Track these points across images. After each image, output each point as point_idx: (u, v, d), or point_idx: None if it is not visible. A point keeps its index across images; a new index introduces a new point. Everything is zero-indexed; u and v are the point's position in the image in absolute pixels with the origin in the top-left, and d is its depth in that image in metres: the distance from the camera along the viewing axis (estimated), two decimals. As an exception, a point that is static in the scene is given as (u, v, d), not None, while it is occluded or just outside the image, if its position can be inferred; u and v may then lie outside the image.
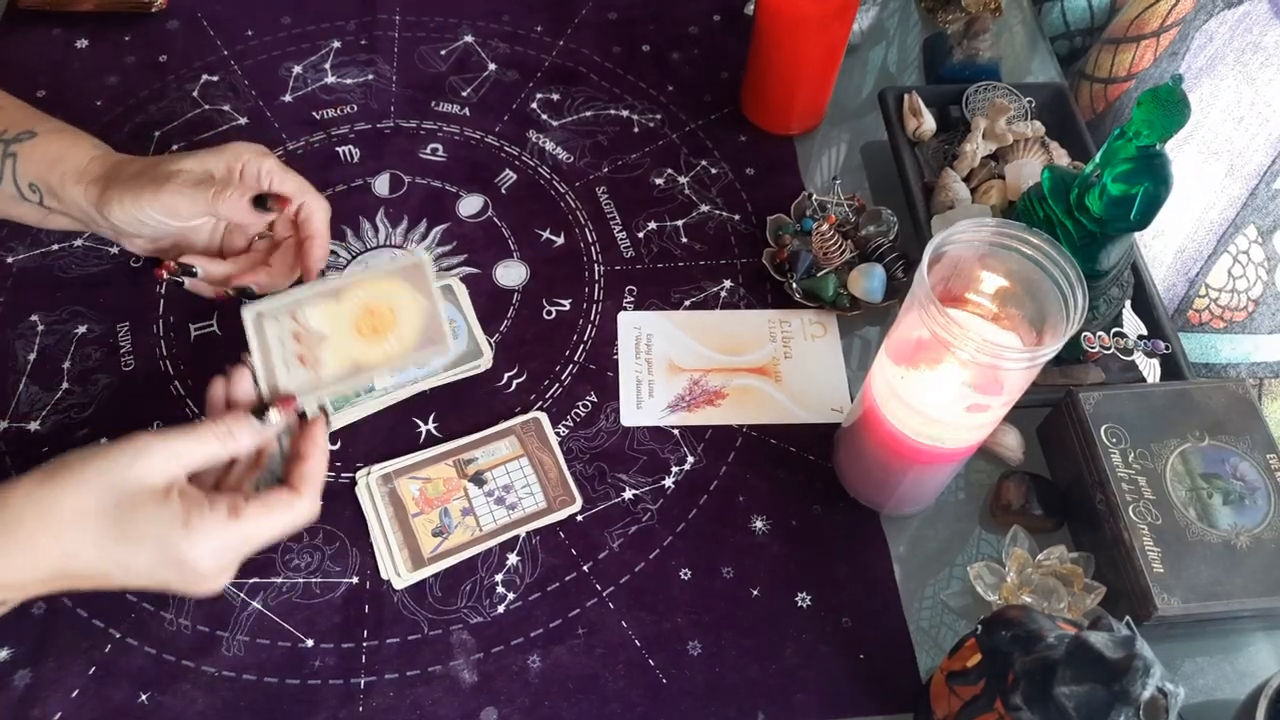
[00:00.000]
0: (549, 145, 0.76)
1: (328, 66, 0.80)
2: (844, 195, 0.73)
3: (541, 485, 0.61)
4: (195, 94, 0.77)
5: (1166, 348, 0.64)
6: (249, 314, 0.57)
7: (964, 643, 0.49)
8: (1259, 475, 0.57)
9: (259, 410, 0.52)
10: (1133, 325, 0.65)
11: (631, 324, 0.68)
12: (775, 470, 0.63)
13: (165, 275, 0.60)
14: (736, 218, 0.74)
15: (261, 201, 0.57)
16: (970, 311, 0.52)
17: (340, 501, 0.60)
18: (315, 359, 0.57)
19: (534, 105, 0.79)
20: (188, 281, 0.60)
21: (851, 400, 0.65)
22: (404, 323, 0.59)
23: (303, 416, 0.53)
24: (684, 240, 0.72)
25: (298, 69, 0.79)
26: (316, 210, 0.60)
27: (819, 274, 0.69)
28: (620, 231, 0.72)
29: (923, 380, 0.51)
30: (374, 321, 0.58)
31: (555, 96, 0.79)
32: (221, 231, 0.63)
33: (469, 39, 0.82)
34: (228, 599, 0.56)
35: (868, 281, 0.67)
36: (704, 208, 0.74)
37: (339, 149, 0.75)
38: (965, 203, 0.70)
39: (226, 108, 0.77)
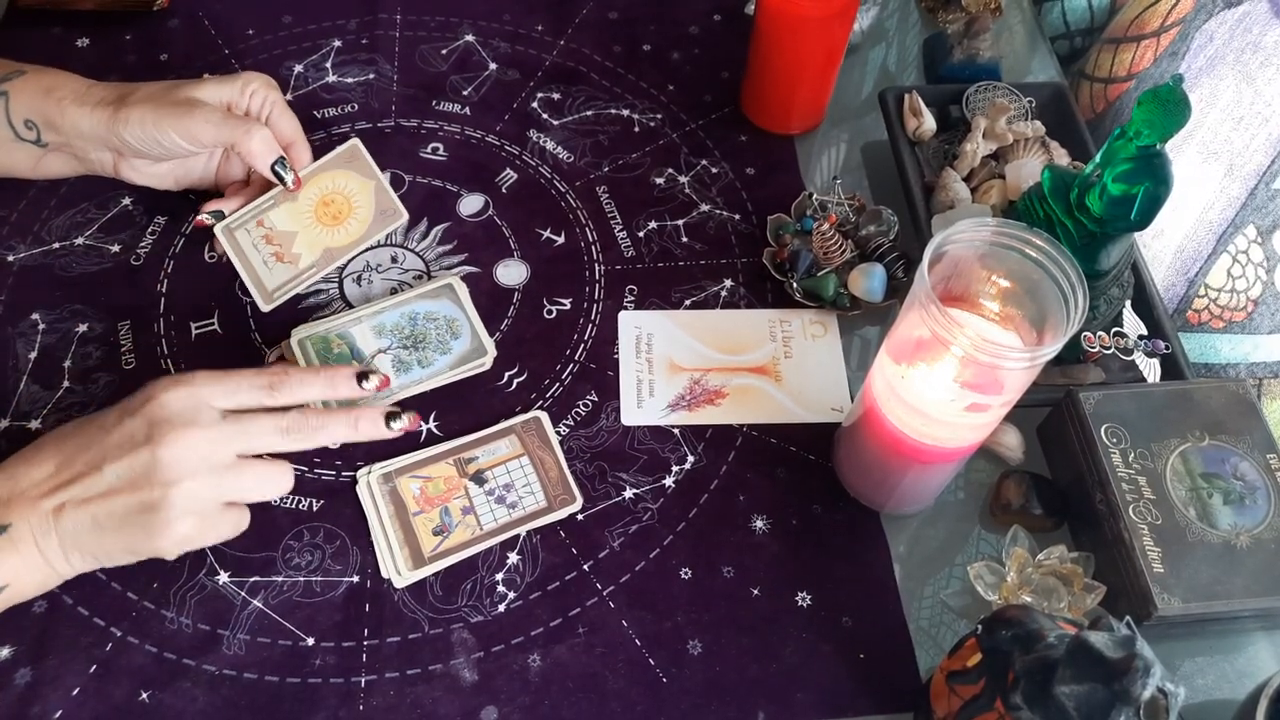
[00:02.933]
0: (549, 144, 0.77)
1: (328, 65, 0.80)
2: (844, 195, 0.73)
3: (542, 484, 0.61)
4: (196, 93, 0.77)
5: (1167, 347, 0.64)
6: (219, 230, 0.65)
7: (964, 642, 0.49)
8: (1259, 475, 0.57)
9: (362, 375, 0.55)
10: (1133, 325, 0.65)
11: (632, 323, 0.68)
12: (775, 470, 0.63)
13: (207, 221, 0.65)
14: (737, 217, 0.74)
15: (280, 165, 0.63)
16: (970, 311, 0.52)
17: (341, 500, 0.60)
18: (291, 255, 0.65)
19: (535, 104, 0.79)
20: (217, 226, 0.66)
21: (851, 400, 0.65)
22: (358, 204, 0.67)
23: (363, 377, 0.56)
24: (684, 239, 0.72)
25: (299, 68, 0.79)
26: (305, 155, 0.66)
27: (819, 273, 0.69)
28: (621, 231, 0.72)
29: (923, 380, 0.51)
30: (333, 210, 0.66)
31: (556, 96, 0.79)
32: (219, 161, 0.68)
33: (470, 38, 0.82)
34: (228, 597, 0.56)
35: (868, 281, 0.67)
36: (704, 207, 0.74)
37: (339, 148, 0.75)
38: (965, 202, 0.70)
39: (227, 107, 0.77)
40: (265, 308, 0.65)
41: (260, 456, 0.53)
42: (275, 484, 0.53)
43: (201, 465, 0.50)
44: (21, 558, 0.49)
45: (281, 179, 0.64)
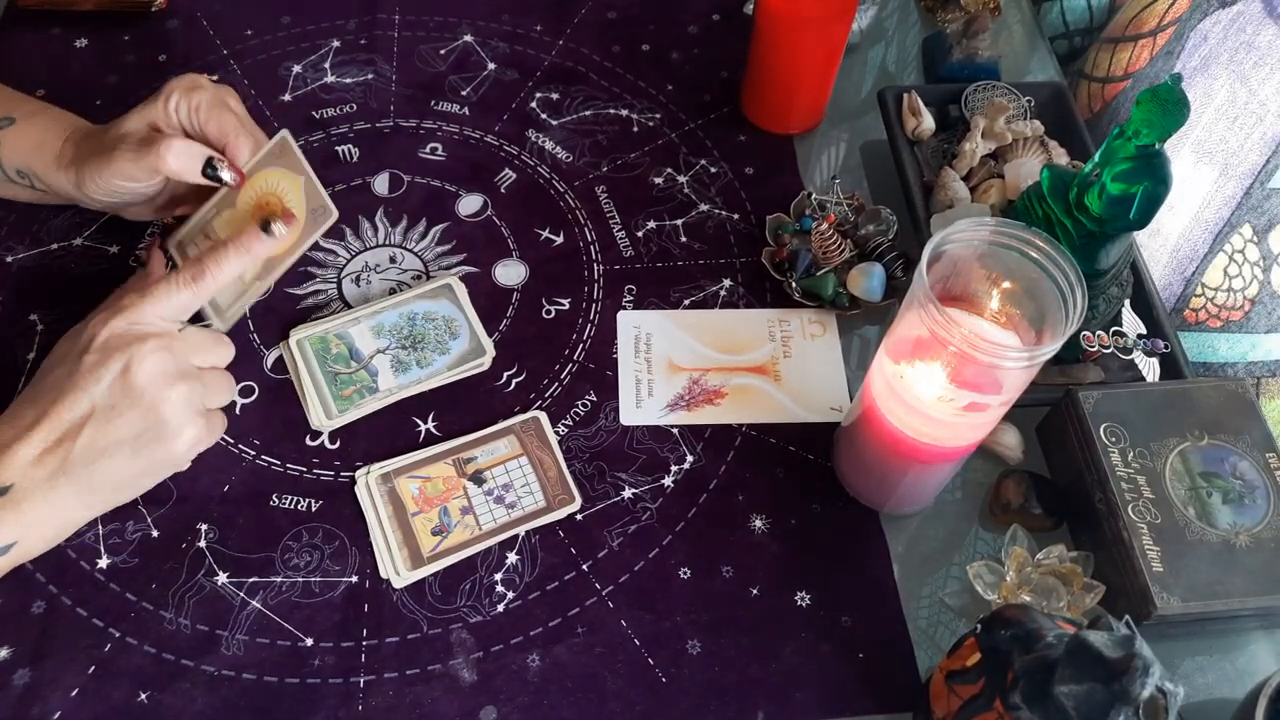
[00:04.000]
0: (548, 144, 0.76)
1: (327, 66, 0.80)
2: (843, 194, 0.73)
3: (541, 484, 0.61)
4: (194, 93, 0.77)
5: (1166, 347, 0.64)
6: (171, 244, 0.62)
7: (963, 642, 0.49)
8: (1258, 474, 0.57)
9: (265, 224, 0.58)
10: (1132, 324, 0.65)
11: (631, 323, 0.68)
12: (774, 469, 0.63)
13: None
14: (736, 217, 0.74)
15: (211, 168, 0.58)
16: (969, 311, 0.52)
17: (339, 500, 0.60)
18: None
19: (533, 104, 0.79)
20: None
21: (850, 399, 0.65)
22: (290, 204, 0.61)
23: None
24: (683, 239, 0.72)
25: (297, 68, 0.79)
26: (242, 151, 0.59)
27: (818, 273, 0.69)
28: (619, 230, 0.72)
29: (922, 379, 0.51)
30: (267, 214, 0.60)
31: (555, 96, 0.79)
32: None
33: (469, 38, 0.82)
34: (227, 598, 0.56)
35: (867, 281, 0.67)
36: (703, 207, 0.74)
37: (338, 148, 0.75)
38: (964, 202, 0.70)
39: (226, 107, 0.76)
40: (222, 328, 0.60)
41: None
42: (229, 388, 0.58)
43: (175, 370, 0.53)
44: (26, 515, 0.50)
45: (219, 180, 0.58)
